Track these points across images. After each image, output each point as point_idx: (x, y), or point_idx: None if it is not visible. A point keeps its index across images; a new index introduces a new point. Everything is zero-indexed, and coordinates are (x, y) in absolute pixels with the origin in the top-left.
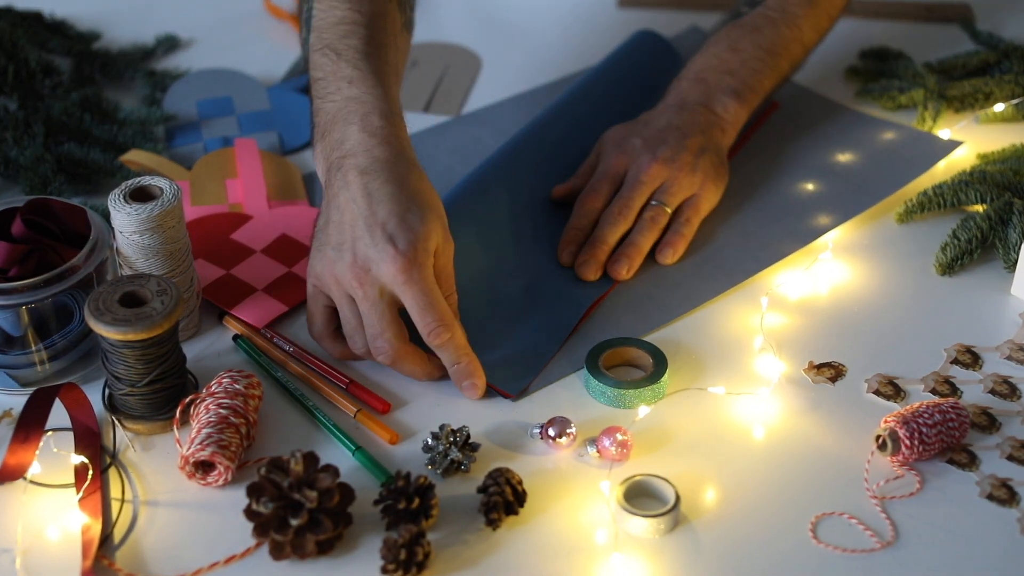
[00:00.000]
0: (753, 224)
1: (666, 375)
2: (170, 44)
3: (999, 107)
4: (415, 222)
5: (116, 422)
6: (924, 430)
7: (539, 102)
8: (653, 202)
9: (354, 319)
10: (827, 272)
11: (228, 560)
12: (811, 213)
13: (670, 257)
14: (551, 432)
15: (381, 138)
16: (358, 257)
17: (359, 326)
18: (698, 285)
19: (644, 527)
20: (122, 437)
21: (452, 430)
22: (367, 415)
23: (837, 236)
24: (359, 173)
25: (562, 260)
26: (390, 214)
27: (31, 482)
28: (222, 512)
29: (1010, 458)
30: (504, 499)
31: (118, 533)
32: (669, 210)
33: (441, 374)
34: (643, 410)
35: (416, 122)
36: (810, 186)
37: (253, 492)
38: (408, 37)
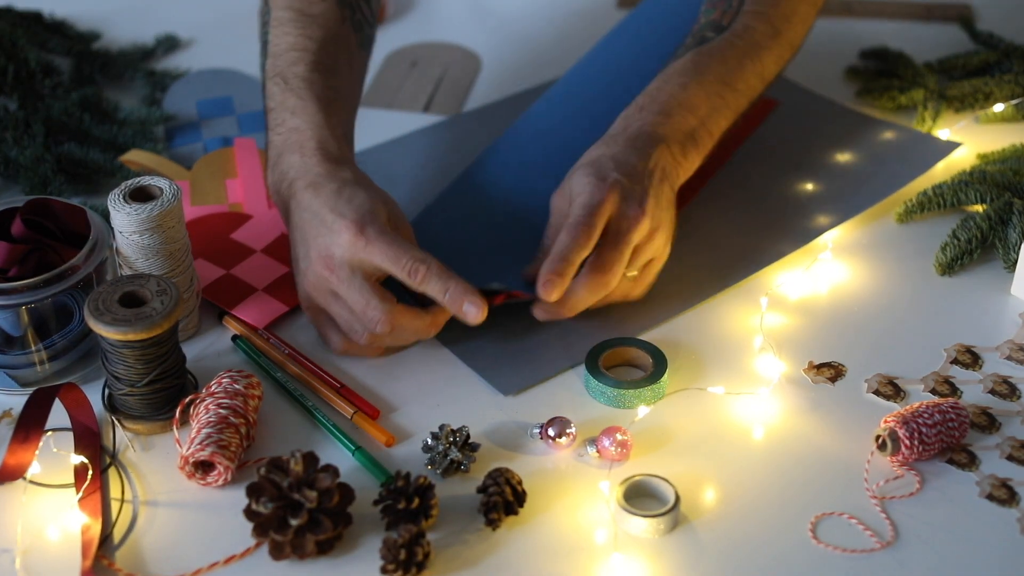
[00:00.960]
0: (752, 224)
1: (666, 375)
2: (170, 44)
3: (999, 107)
4: (359, 198)
5: (116, 422)
6: (924, 430)
7: (523, 102)
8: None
9: (345, 312)
10: (827, 272)
11: (228, 560)
12: (810, 213)
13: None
14: (551, 432)
15: (320, 158)
16: (320, 251)
17: (351, 316)
18: (697, 285)
19: (644, 527)
20: (122, 437)
21: (452, 430)
22: (364, 417)
23: (837, 236)
24: (306, 188)
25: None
26: (335, 200)
27: (31, 482)
28: (222, 512)
29: (1010, 458)
30: (504, 499)
31: (118, 533)
32: (633, 274)
33: (442, 323)
34: (642, 410)
35: (416, 122)
36: (809, 186)
37: (253, 492)
38: (366, 55)
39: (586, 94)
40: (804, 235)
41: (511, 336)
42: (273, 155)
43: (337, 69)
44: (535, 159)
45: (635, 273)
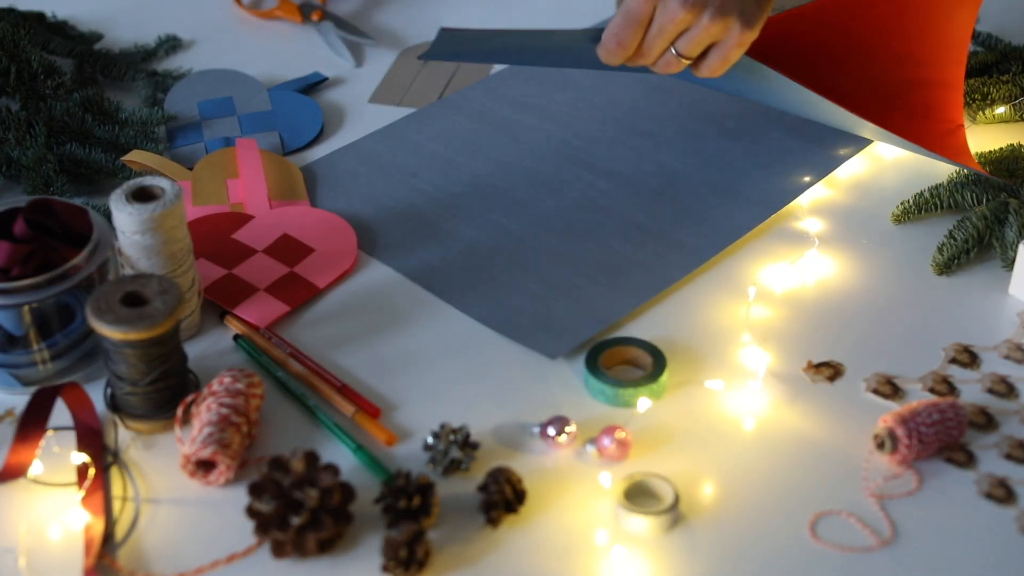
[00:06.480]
0: (727, 193)
1: (665, 374)
2: (171, 45)
3: (999, 110)
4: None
5: (118, 421)
6: (922, 429)
7: (505, 83)
8: (672, 50)
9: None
10: (825, 272)
11: (229, 558)
12: (783, 176)
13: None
14: (551, 431)
15: None
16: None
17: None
18: (690, 255)
19: (643, 525)
20: (124, 436)
21: (452, 429)
22: (365, 416)
23: (835, 236)
24: None
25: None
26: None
27: (33, 481)
28: (223, 511)
29: (1008, 457)
30: (504, 498)
31: (120, 531)
32: (686, 61)
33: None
34: (644, 402)
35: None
36: (778, 149)
37: (254, 491)
38: None
39: None
40: (781, 198)
41: (540, 306)
42: None
43: None
44: None
45: (686, 61)
